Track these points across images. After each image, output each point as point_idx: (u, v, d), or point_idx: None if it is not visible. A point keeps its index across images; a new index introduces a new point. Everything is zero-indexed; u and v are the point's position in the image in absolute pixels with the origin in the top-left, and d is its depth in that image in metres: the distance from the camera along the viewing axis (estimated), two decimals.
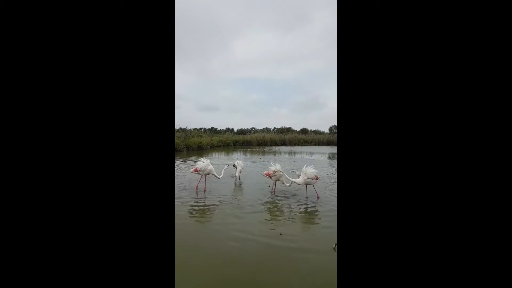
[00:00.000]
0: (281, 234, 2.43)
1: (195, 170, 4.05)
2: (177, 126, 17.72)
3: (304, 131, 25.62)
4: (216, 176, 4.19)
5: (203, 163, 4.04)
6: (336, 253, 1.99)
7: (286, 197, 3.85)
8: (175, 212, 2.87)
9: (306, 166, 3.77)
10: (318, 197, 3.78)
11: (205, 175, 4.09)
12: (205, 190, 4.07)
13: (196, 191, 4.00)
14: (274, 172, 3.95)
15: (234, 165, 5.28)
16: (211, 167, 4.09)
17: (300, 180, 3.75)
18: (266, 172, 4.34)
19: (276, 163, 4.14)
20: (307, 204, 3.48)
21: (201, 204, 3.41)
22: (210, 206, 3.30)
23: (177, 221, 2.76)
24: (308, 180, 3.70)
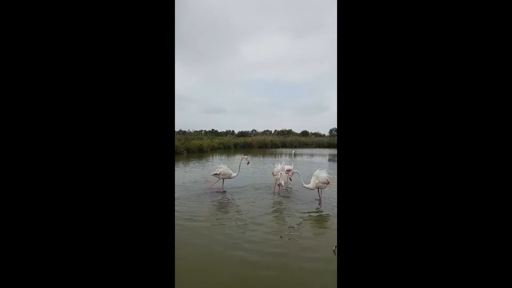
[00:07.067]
0: (281, 237, 2.40)
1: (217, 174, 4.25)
2: (177, 128, 17.66)
3: (304, 133, 25.48)
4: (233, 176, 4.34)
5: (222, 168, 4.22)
6: (336, 256, 1.97)
7: (291, 200, 3.70)
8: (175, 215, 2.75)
9: (320, 169, 3.63)
10: (320, 204, 3.51)
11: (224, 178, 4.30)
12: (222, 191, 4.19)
13: (215, 191, 4.24)
14: (278, 172, 3.93)
15: (295, 154, 4.68)
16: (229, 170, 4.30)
17: (311, 184, 3.61)
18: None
19: (280, 162, 4.19)
20: (319, 209, 3.32)
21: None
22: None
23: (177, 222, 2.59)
24: (320, 184, 3.55)
